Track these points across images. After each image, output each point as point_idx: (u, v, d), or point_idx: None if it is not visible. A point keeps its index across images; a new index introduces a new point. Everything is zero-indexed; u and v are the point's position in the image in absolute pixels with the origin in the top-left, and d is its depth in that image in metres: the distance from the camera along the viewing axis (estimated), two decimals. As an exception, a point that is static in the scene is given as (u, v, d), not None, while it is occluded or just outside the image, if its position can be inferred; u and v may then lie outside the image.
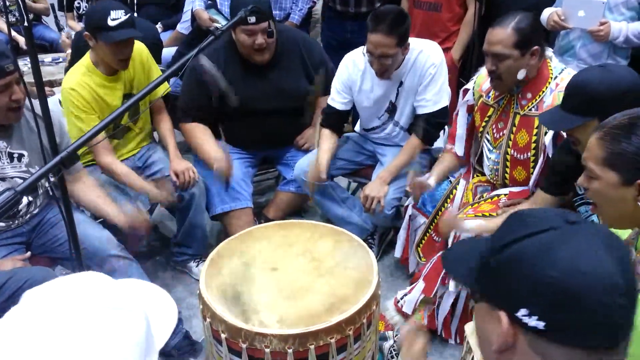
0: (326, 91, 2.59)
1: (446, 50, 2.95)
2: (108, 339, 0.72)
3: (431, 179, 2.20)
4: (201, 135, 2.53)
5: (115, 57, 2.25)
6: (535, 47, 1.84)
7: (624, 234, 1.33)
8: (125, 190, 2.31)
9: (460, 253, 0.87)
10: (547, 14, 2.54)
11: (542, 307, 0.69)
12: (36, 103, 1.51)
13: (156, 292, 0.95)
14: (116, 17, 2.17)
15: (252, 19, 2.26)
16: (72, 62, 2.91)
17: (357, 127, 2.75)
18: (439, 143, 2.49)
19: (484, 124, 2.11)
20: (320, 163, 2.41)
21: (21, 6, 1.12)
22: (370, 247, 1.76)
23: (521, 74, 1.87)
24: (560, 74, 1.91)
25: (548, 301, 0.69)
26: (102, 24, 2.16)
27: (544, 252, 0.71)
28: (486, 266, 0.77)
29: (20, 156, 1.89)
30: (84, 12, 4.19)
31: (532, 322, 0.70)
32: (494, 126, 2.06)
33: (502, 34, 1.83)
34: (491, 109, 2.08)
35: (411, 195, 2.29)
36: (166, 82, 2.40)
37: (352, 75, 2.43)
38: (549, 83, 1.90)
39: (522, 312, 0.70)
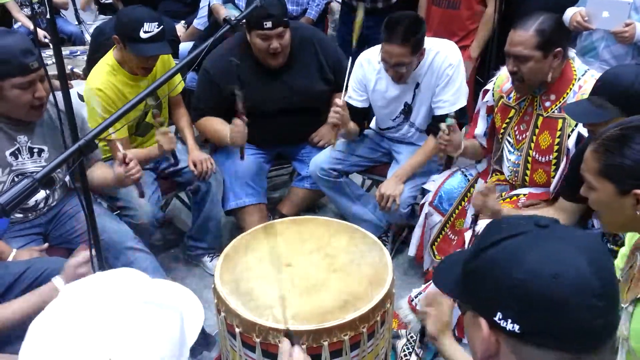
0: (341, 89, 2.58)
1: (464, 48, 2.92)
2: (148, 334, 0.73)
3: (462, 143, 2.11)
4: (215, 121, 2.52)
5: (140, 65, 2.27)
6: (558, 49, 1.82)
7: (634, 237, 1.32)
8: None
9: (448, 264, 0.89)
10: (570, 13, 2.50)
11: (514, 310, 0.70)
12: (53, 96, 1.52)
13: (184, 292, 0.97)
14: (149, 30, 2.15)
15: (268, 24, 2.26)
16: (90, 57, 2.94)
17: (372, 124, 2.74)
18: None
19: (504, 125, 2.09)
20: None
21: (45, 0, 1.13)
22: (384, 245, 1.76)
23: (548, 77, 1.85)
24: (583, 75, 1.88)
25: (518, 304, 0.70)
26: (134, 35, 2.15)
27: (512, 256, 0.72)
28: (465, 273, 0.80)
29: (41, 151, 1.90)
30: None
31: (508, 325, 0.71)
32: (516, 128, 2.04)
33: (524, 36, 1.81)
34: (512, 111, 2.05)
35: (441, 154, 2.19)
36: (180, 78, 2.42)
37: (367, 75, 2.42)
38: (573, 85, 1.88)
39: (498, 316, 0.72)
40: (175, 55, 3.11)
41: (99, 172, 2.05)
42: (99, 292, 0.76)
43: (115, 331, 0.71)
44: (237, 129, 2.30)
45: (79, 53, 3.79)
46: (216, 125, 2.50)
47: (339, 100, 2.28)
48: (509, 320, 0.70)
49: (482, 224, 1.97)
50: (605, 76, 1.58)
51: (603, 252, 0.74)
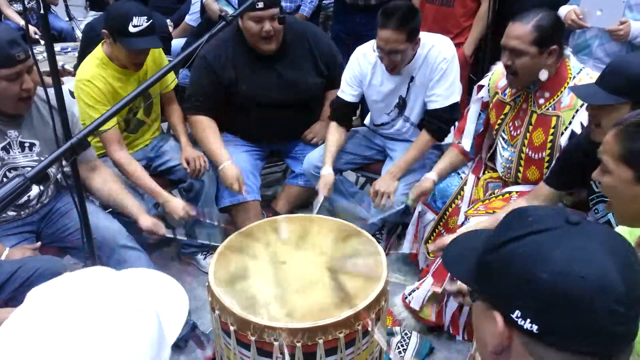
0: (335, 84, 2.58)
1: (458, 45, 2.92)
2: (119, 342, 0.69)
3: (432, 174, 2.20)
4: (208, 131, 2.48)
5: (131, 60, 2.26)
6: (554, 47, 1.82)
7: (634, 232, 1.32)
8: (135, 187, 2.31)
9: (461, 249, 0.85)
10: (564, 11, 2.50)
11: (535, 310, 0.68)
12: (45, 91, 1.50)
13: (166, 281, 0.93)
14: (138, 24, 2.15)
15: (260, 5, 2.24)
16: (81, 53, 2.92)
17: (366, 121, 2.73)
18: (449, 139, 2.48)
19: (499, 121, 2.09)
20: (326, 161, 2.40)
21: (36, -6, 1.12)
22: (378, 242, 1.76)
23: (543, 75, 1.85)
24: (578, 74, 1.89)
25: (540, 304, 0.67)
26: (123, 29, 2.14)
27: (537, 253, 0.69)
28: (483, 264, 0.76)
29: (32, 145, 1.89)
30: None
31: (526, 324, 0.68)
32: (510, 124, 2.05)
33: (521, 30, 1.81)
34: (507, 107, 2.06)
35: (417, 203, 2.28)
36: (173, 74, 2.40)
37: (363, 69, 2.41)
38: (568, 83, 1.88)
39: (516, 314, 0.69)
40: (167, 51, 3.09)
41: (106, 187, 2.07)
42: (66, 298, 0.71)
43: (83, 341, 0.67)
44: (233, 180, 2.35)
45: (69, 49, 3.76)
46: (208, 139, 2.46)
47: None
48: (528, 320, 0.68)
49: (473, 221, 1.97)
50: (614, 62, 1.58)
51: (632, 256, 0.71)
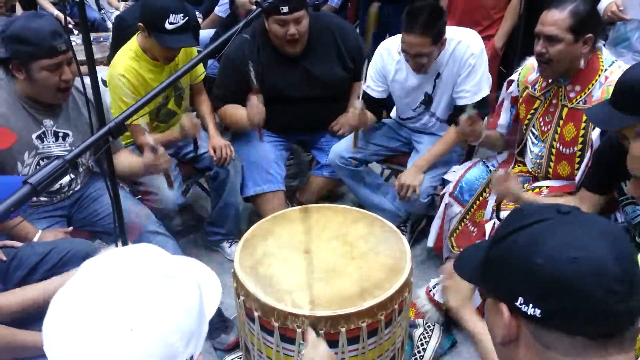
0: (361, 77, 2.57)
1: (488, 38, 2.88)
2: (167, 305, 0.75)
3: (485, 132, 2.13)
4: (234, 107, 2.54)
5: (164, 54, 2.29)
6: (590, 35, 1.78)
7: None
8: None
9: (470, 253, 0.90)
10: (605, 3, 2.44)
11: (535, 295, 0.71)
12: (81, 81, 1.54)
13: (201, 268, 0.98)
14: (174, 21, 2.16)
15: (285, 9, 2.24)
16: (113, 43, 2.97)
17: (392, 114, 2.72)
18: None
19: (529, 116, 2.06)
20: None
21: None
22: (403, 234, 1.75)
23: (581, 63, 1.82)
24: (610, 66, 1.84)
25: (539, 289, 0.71)
26: (159, 25, 2.16)
27: (532, 242, 0.73)
28: (487, 260, 0.81)
29: (65, 135, 1.93)
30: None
31: (530, 309, 0.72)
32: (541, 119, 2.01)
33: (557, 16, 1.78)
34: (537, 102, 2.02)
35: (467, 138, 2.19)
36: (202, 67, 2.43)
37: (387, 65, 2.40)
38: (599, 76, 1.84)
39: (519, 301, 0.73)
40: (196, 41, 3.13)
41: (125, 160, 2.08)
42: (117, 266, 0.78)
43: (134, 303, 0.73)
44: (253, 107, 2.32)
45: (101, 39, 3.83)
46: (235, 109, 2.52)
47: (356, 107, 2.26)
48: (530, 305, 0.72)
49: (505, 214, 1.95)
50: (622, 80, 1.53)
51: (624, 239, 0.74)
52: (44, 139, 1.89)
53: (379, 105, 2.55)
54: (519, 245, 0.75)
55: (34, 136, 1.86)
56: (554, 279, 0.70)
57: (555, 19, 1.78)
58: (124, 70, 2.28)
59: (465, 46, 2.25)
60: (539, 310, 0.71)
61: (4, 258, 1.65)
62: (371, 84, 2.46)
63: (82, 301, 0.74)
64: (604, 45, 2.10)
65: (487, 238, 1.97)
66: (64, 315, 0.74)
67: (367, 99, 2.49)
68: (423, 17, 2.08)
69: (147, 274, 0.77)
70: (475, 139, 2.11)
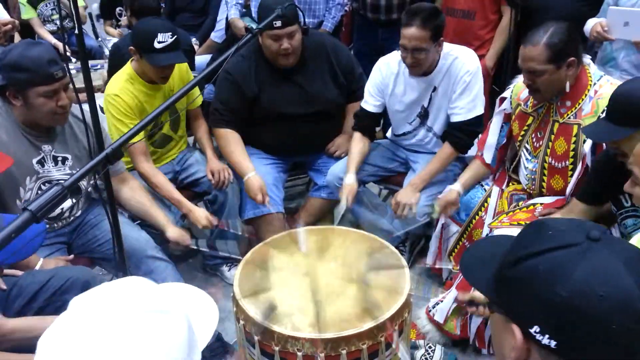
0: (356, 97, 2.61)
1: (479, 57, 2.91)
2: (152, 342, 0.75)
3: (456, 185, 2.20)
4: (233, 143, 2.54)
5: (158, 74, 2.34)
6: (571, 59, 1.81)
7: None
8: (162, 199, 2.37)
9: (479, 258, 0.85)
10: (590, 24, 2.49)
11: (553, 327, 0.68)
12: (80, 108, 1.56)
13: (197, 294, 0.98)
14: (163, 40, 2.23)
15: (278, 24, 2.29)
16: (109, 71, 3.02)
17: (388, 134, 2.74)
18: (472, 151, 2.47)
19: (522, 132, 2.09)
20: (349, 170, 2.42)
21: (73, 14, 1.18)
22: (402, 255, 1.76)
23: (565, 86, 1.85)
24: (599, 80, 1.88)
25: (559, 321, 0.68)
26: (148, 45, 2.22)
27: (557, 271, 0.69)
28: (502, 278, 0.76)
29: (64, 159, 1.96)
30: (121, 20, 4.33)
31: (545, 340, 0.69)
32: (533, 135, 2.04)
33: (534, 52, 1.80)
34: (530, 118, 2.05)
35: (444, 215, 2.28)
36: (199, 90, 2.46)
37: (385, 78, 2.43)
38: (588, 90, 1.87)
39: (534, 329, 0.69)
40: (192, 65, 3.17)
41: (136, 202, 2.14)
42: (105, 305, 0.78)
43: (122, 343, 0.73)
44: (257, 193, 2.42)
45: (98, 67, 3.88)
46: (233, 152, 2.52)
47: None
48: (546, 336, 0.69)
49: (497, 233, 1.96)
50: (616, 95, 1.58)
51: None
52: (44, 163, 1.91)
53: (375, 121, 2.58)
54: (540, 272, 0.70)
55: (34, 161, 1.88)
56: (576, 314, 0.67)
57: (532, 55, 1.81)
58: (119, 91, 2.32)
59: (461, 63, 2.29)
60: (555, 342, 0.68)
61: (4, 287, 1.65)
62: (368, 99, 2.50)
63: (69, 342, 0.74)
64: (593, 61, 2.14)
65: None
66: (51, 356, 0.74)
67: (363, 115, 2.52)
68: (423, 13, 2.15)
69: (135, 311, 0.77)
70: (455, 205, 2.23)
